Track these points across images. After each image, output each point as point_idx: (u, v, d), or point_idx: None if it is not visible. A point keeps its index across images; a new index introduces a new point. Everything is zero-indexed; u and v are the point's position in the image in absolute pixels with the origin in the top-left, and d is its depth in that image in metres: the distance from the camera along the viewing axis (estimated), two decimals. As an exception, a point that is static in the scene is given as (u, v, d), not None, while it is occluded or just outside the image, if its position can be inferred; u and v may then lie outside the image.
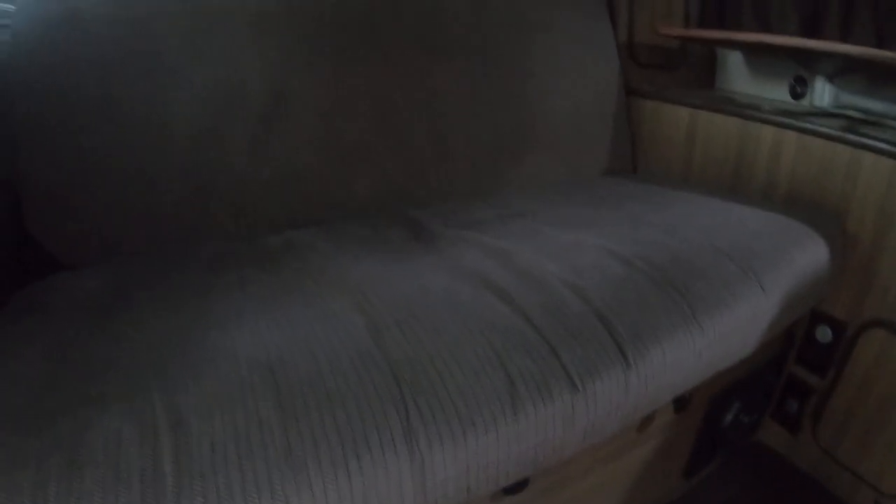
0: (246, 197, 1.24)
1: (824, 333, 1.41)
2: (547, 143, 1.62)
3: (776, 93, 1.70)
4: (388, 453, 0.63)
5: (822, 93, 1.55)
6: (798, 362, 1.49)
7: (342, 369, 0.69)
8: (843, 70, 1.51)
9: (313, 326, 0.77)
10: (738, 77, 1.85)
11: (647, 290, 0.92)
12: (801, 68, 1.61)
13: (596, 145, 1.72)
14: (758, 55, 1.78)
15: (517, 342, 0.77)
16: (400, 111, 1.41)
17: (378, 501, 0.63)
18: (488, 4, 1.56)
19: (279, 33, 1.29)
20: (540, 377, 0.74)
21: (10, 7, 1.15)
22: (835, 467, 1.44)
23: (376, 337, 0.75)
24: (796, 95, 1.60)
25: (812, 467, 1.51)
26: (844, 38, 1.51)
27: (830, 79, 1.55)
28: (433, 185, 1.45)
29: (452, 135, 1.48)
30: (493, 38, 1.55)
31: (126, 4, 1.18)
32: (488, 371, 0.73)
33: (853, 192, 1.33)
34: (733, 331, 0.97)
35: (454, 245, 1.07)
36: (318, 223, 1.25)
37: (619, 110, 1.77)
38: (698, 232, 1.13)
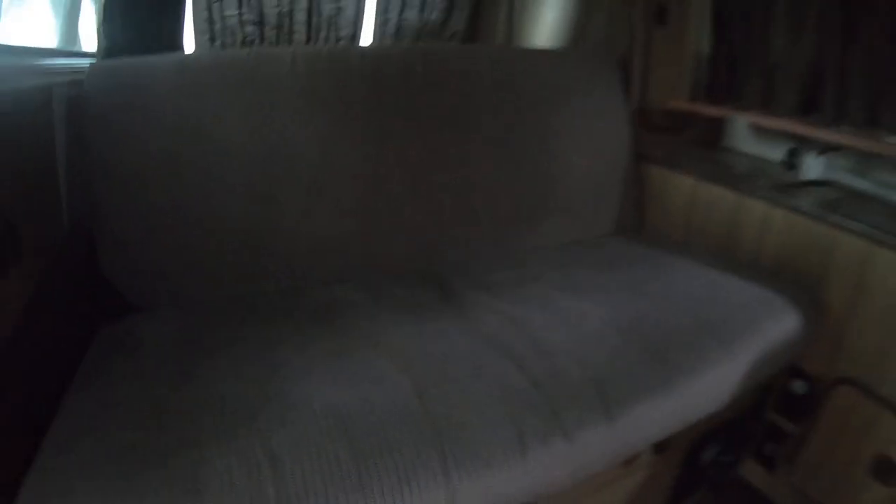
0: (295, 254, 1.47)
1: (800, 387, 1.61)
2: (563, 207, 1.84)
3: (776, 153, 1.90)
4: (430, 486, 0.87)
5: (813, 166, 1.74)
6: (777, 410, 1.69)
7: (395, 422, 0.93)
8: (833, 147, 1.70)
9: (368, 386, 1.00)
10: (743, 138, 2.04)
11: (635, 360, 1.14)
12: (795, 142, 1.80)
13: (607, 207, 1.93)
14: (760, 125, 1.98)
15: (527, 405, 1.01)
16: (432, 182, 1.63)
17: None
18: (512, 88, 1.78)
19: (327, 111, 1.51)
20: (543, 433, 0.98)
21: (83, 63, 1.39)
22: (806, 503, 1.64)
23: (420, 397, 0.99)
24: (790, 167, 1.79)
25: (786, 502, 1.70)
26: (839, 117, 1.70)
27: (821, 153, 1.73)
28: (460, 248, 1.67)
29: (478, 203, 1.71)
30: (516, 118, 1.77)
31: (192, 77, 1.40)
32: (505, 427, 0.96)
33: (830, 267, 1.53)
34: (705, 392, 1.19)
35: (477, 309, 1.30)
36: (360, 278, 1.47)
37: (629, 175, 1.98)
38: (687, 305, 1.35)
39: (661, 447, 1.33)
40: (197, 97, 1.39)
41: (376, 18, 2.45)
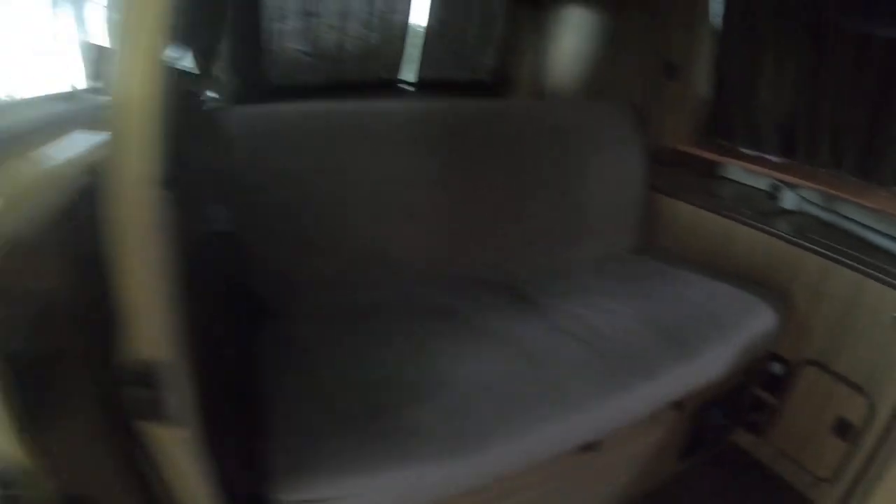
0: (403, 269, 1.99)
1: (777, 368, 2.14)
2: (594, 230, 2.39)
3: (763, 184, 2.40)
4: (549, 420, 1.39)
5: (790, 198, 2.25)
6: (760, 386, 2.21)
7: (519, 383, 1.46)
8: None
9: (495, 361, 1.53)
10: (737, 171, 2.53)
11: (660, 342, 1.69)
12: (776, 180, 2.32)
13: (627, 230, 2.48)
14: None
15: (597, 369, 1.56)
16: (499, 210, 2.18)
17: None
18: (556, 136, 2.33)
19: (421, 155, 2.04)
20: (610, 387, 1.52)
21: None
22: (784, 460, 2.16)
23: (533, 365, 1.52)
24: (771, 197, 2.30)
25: (770, 461, 2.22)
26: (812, 156, 2.19)
27: (796, 189, 2.25)
28: (521, 262, 2.20)
29: (533, 229, 2.25)
30: (559, 160, 2.31)
31: (322, 125, 1.91)
32: (586, 384, 1.51)
33: (798, 277, 2.06)
34: (706, 365, 1.73)
35: (548, 309, 1.84)
36: (454, 288, 1.99)
37: (644, 203, 2.52)
38: (690, 305, 1.90)
39: (677, 406, 1.86)
40: (328, 142, 1.90)
41: (422, 55, 2.93)
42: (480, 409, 1.35)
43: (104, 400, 0.77)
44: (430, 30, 2.85)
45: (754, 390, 2.23)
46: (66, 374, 0.72)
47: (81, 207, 0.75)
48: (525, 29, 2.97)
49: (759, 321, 1.91)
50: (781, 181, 2.26)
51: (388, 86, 2.88)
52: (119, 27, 0.67)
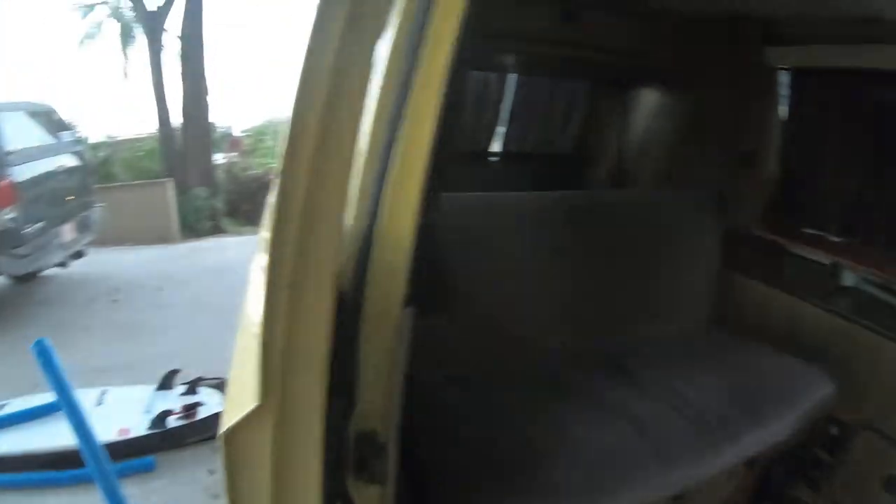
0: (525, 339, 2.30)
1: (834, 429, 2.39)
2: (674, 308, 2.69)
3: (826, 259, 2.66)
4: (653, 477, 1.72)
5: (848, 277, 2.51)
6: (819, 446, 2.46)
7: (630, 449, 1.77)
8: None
9: (608, 428, 1.84)
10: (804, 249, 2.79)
11: (737, 407, 2.00)
12: (838, 261, 2.58)
13: (703, 305, 2.76)
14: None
15: (684, 434, 1.85)
16: (601, 288, 2.50)
17: None
18: (647, 224, 2.65)
19: (541, 239, 2.37)
20: (703, 450, 1.83)
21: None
22: (840, 514, 2.41)
23: (640, 434, 1.83)
24: (832, 275, 2.57)
25: (825, 513, 2.47)
26: (870, 239, 2.47)
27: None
28: (612, 335, 2.50)
29: (620, 304, 2.56)
30: (645, 242, 2.62)
31: (501, 216, 2.29)
32: (683, 445, 1.82)
33: (854, 350, 2.33)
34: (775, 432, 2.03)
35: (643, 381, 2.15)
36: (561, 357, 2.31)
37: (719, 280, 2.79)
38: (762, 376, 2.22)
39: (749, 463, 2.15)
40: (506, 232, 2.28)
41: (508, 129, 3.30)
42: (602, 469, 1.69)
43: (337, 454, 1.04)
44: (515, 105, 3.20)
45: (815, 450, 2.48)
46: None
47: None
48: (607, 109, 3.32)
49: (820, 391, 2.18)
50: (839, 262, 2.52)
51: (477, 157, 3.24)
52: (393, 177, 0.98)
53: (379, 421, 1.04)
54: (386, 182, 0.98)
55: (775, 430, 2.03)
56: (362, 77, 0.76)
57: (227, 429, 0.78)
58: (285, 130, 0.74)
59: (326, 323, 0.77)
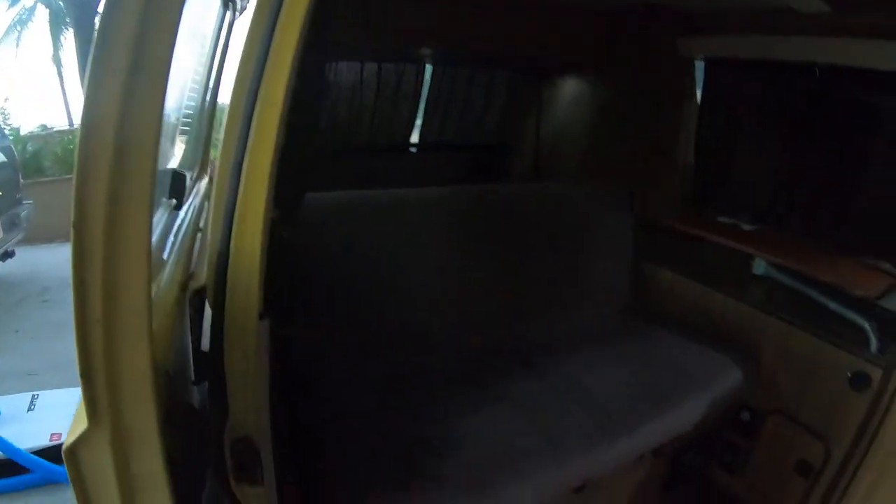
0: (423, 336, 2.31)
1: (745, 415, 2.47)
2: (587, 296, 2.73)
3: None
4: (546, 464, 1.73)
5: (759, 265, 2.57)
6: (733, 431, 2.54)
7: (522, 435, 1.79)
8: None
9: (502, 419, 1.86)
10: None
11: (639, 397, 2.03)
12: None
13: (617, 294, 2.82)
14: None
15: (587, 423, 1.89)
16: (507, 285, 2.51)
17: None
18: (557, 216, 2.69)
19: (442, 235, 2.38)
20: (599, 438, 1.85)
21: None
22: (755, 495, 2.48)
23: (534, 422, 1.86)
24: (746, 265, 2.63)
25: (743, 496, 2.54)
26: (782, 227, 2.53)
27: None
28: (525, 330, 2.52)
29: (535, 298, 2.59)
30: (559, 236, 2.66)
31: (354, 209, 2.24)
32: (579, 434, 1.84)
33: (764, 338, 2.40)
34: (679, 420, 2.07)
35: (548, 371, 2.18)
36: (464, 353, 2.32)
37: (632, 269, 2.87)
38: (669, 364, 2.26)
39: (656, 451, 2.19)
40: (367, 227, 2.24)
41: (424, 119, 3.31)
42: (493, 462, 1.71)
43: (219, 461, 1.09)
44: (432, 96, 3.20)
45: (728, 435, 2.56)
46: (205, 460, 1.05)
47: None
48: (526, 100, 3.35)
49: (728, 378, 2.25)
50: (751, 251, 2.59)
51: (395, 148, 3.24)
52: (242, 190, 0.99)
53: (252, 427, 1.08)
54: (238, 195, 1.00)
55: (680, 420, 2.08)
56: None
57: (66, 447, 0.79)
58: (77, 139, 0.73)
59: (144, 353, 0.76)
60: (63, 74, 17.10)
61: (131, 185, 0.71)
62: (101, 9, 0.67)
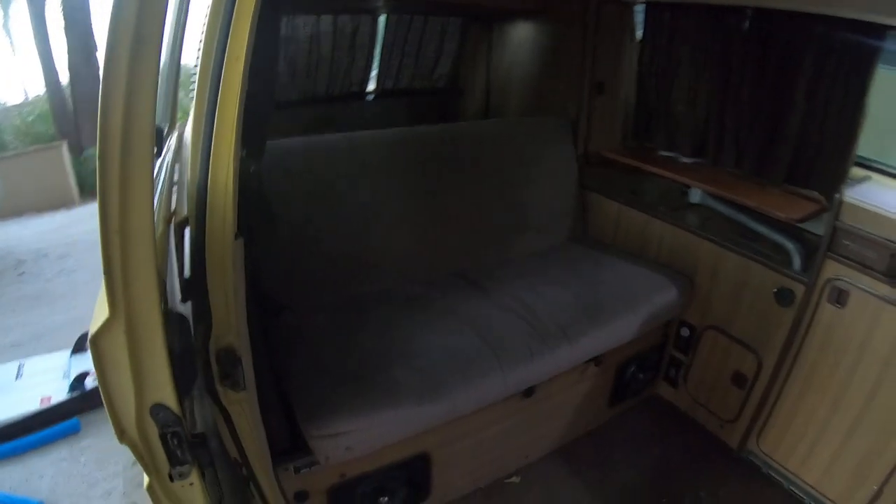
0: (382, 266, 2.53)
1: (685, 331, 2.73)
2: (535, 225, 2.95)
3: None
4: (492, 374, 1.99)
5: (694, 194, 2.80)
6: (674, 347, 2.80)
7: (470, 348, 2.02)
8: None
9: (452, 334, 2.09)
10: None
11: (581, 314, 2.26)
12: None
13: (563, 223, 3.06)
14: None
15: (530, 336, 2.12)
16: (457, 217, 2.73)
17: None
18: (502, 150, 2.90)
19: (397, 177, 2.58)
20: (540, 348, 2.09)
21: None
22: (697, 406, 2.76)
23: (481, 336, 2.08)
24: (683, 193, 2.86)
25: (686, 408, 2.82)
26: (717, 159, 2.73)
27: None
28: (476, 256, 2.76)
29: (484, 227, 2.81)
30: (505, 170, 2.87)
31: (316, 153, 2.43)
32: (523, 345, 2.09)
33: (699, 260, 2.63)
34: (615, 332, 2.32)
35: (495, 293, 2.40)
36: (421, 278, 2.54)
37: (577, 200, 3.10)
38: (610, 284, 2.48)
39: (598, 362, 2.44)
40: (322, 169, 2.43)
41: (380, 67, 3.46)
42: (442, 368, 1.94)
43: (206, 372, 1.28)
44: (387, 45, 3.36)
45: (671, 351, 2.82)
46: (195, 359, 1.24)
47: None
48: (475, 45, 3.53)
49: (663, 296, 2.49)
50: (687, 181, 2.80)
51: (354, 96, 3.41)
52: (215, 133, 1.17)
53: (233, 338, 1.26)
54: (212, 141, 1.18)
55: (617, 332, 2.32)
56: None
57: (91, 335, 0.96)
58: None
59: (150, 257, 0.96)
60: (14, 46, 16.72)
61: (139, 124, 0.90)
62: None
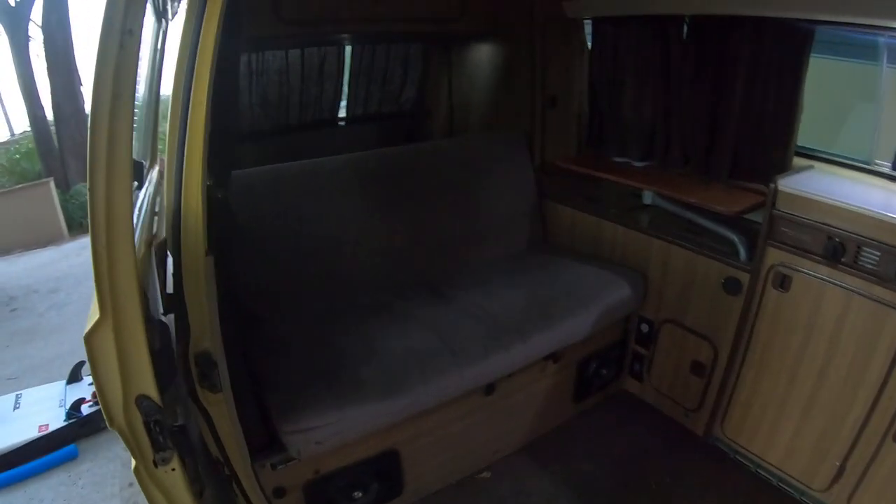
0: (350, 278, 2.71)
1: (644, 327, 2.90)
2: (495, 235, 3.14)
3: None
4: (448, 371, 2.17)
5: (647, 196, 2.98)
6: (636, 342, 2.97)
7: (431, 350, 2.21)
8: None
9: (415, 336, 2.28)
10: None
11: (535, 314, 2.44)
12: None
13: (521, 231, 3.25)
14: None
15: (486, 336, 2.31)
16: (419, 231, 2.92)
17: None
18: (462, 167, 3.10)
19: (360, 197, 2.76)
20: (495, 346, 2.29)
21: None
22: (662, 398, 2.92)
23: (440, 337, 2.27)
24: (637, 197, 3.03)
25: (652, 400, 2.99)
26: (665, 162, 2.92)
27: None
28: (438, 266, 2.94)
29: (446, 239, 3.00)
30: (464, 185, 3.07)
31: (284, 178, 2.61)
32: (479, 345, 2.28)
33: (650, 258, 2.81)
34: (569, 330, 2.50)
35: (456, 299, 2.59)
36: (386, 288, 2.72)
37: (535, 208, 3.29)
38: (565, 285, 2.66)
39: (556, 359, 2.61)
40: (291, 193, 2.61)
41: (349, 94, 3.66)
42: (403, 367, 2.12)
43: (185, 374, 1.47)
44: (354, 73, 3.57)
45: (633, 346, 2.99)
46: (174, 359, 1.42)
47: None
48: (437, 68, 3.75)
49: (616, 292, 2.67)
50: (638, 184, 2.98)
51: (325, 123, 3.61)
52: (185, 167, 1.37)
53: (209, 343, 1.46)
54: (182, 173, 1.39)
55: (571, 329, 2.50)
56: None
57: (85, 334, 1.14)
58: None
59: (132, 267, 1.15)
60: (-2, 84, 16.93)
61: (118, 148, 1.09)
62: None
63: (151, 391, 1.21)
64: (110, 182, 1.10)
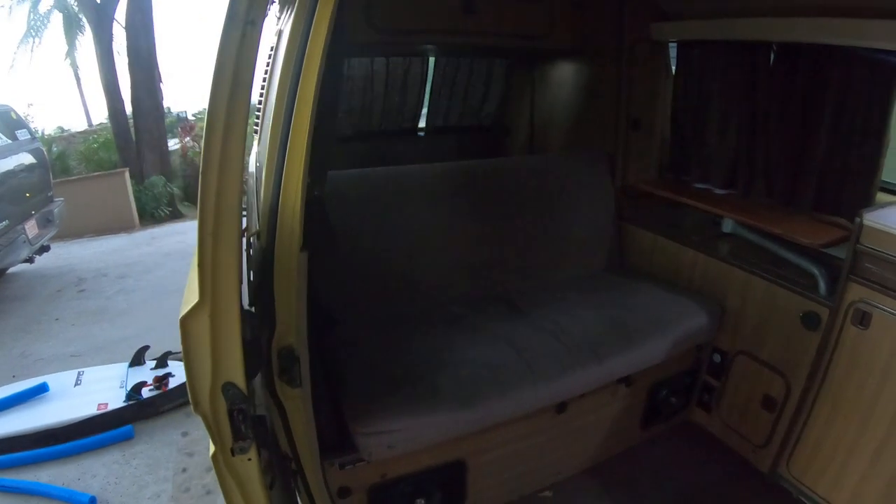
0: (427, 287, 2.76)
1: (717, 357, 2.86)
2: (572, 255, 3.15)
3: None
4: (524, 387, 2.18)
5: (727, 224, 2.94)
6: (707, 373, 2.93)
7: (508, 363, 2.23)
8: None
9: (491, 350, 2.30)
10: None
11: (613, 337, 2.44)
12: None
13: (600, 253, 3.25)
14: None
15: (563, 354, 2.31)
16: (500, 244, 2.95)
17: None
18: (545, 183, 3.10)
19: (443, 207, 2.81)
20: (571, 365, 2.29)
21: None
22: (729, 431, 2.86)
23: (518, 352, 2.29)
24: (715, 223, 3.00)
25: (719, 433, 2.93)
26: (748, 190, 2.89)
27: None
28: (516, 282, 2.97)
29: (523, 254, 3.02)
30: (547, 201, 3.08)
31: (367, 184, 2.68)
32: (556, 362, 2.28)
33: (729, 287, 2.77)
34: (644, 354, 2.49)
35: (533, 316, 2.60)
36: (463, 300, 2.76)
37: (614, 230, 3.29)
38: (640, 308, 2.66)
39: (628, 382, 2.61)
40: (373, 199, 2.68)
41: (430, 107, 3.73)
42: (480, 379, 2.14)
43: (266, 368, 1.51)
44: (436, 85, 3.64)
45: (703, 377, 2.95)
46: (261, 350, 1.46)
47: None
48: (519, 85, 3.78)
49: (693, 320, 2.64)
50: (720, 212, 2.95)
51: (405, 132, 3.67)
52: (286, 162, 1.42)
53: (293, 338, 1.49)
54: (284, 166, 1.44)
55: (645, 354, 2.49)
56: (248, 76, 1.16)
57: (182, 316, 1.18)
58: (204, 122, 1.15)
59: (236, 254, 1.20)
60: (80, 77, 17.71)
61: (232, 149, 1.15)
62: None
63: (239, 380, 1.25)
64: (223, 168, 1.14)
